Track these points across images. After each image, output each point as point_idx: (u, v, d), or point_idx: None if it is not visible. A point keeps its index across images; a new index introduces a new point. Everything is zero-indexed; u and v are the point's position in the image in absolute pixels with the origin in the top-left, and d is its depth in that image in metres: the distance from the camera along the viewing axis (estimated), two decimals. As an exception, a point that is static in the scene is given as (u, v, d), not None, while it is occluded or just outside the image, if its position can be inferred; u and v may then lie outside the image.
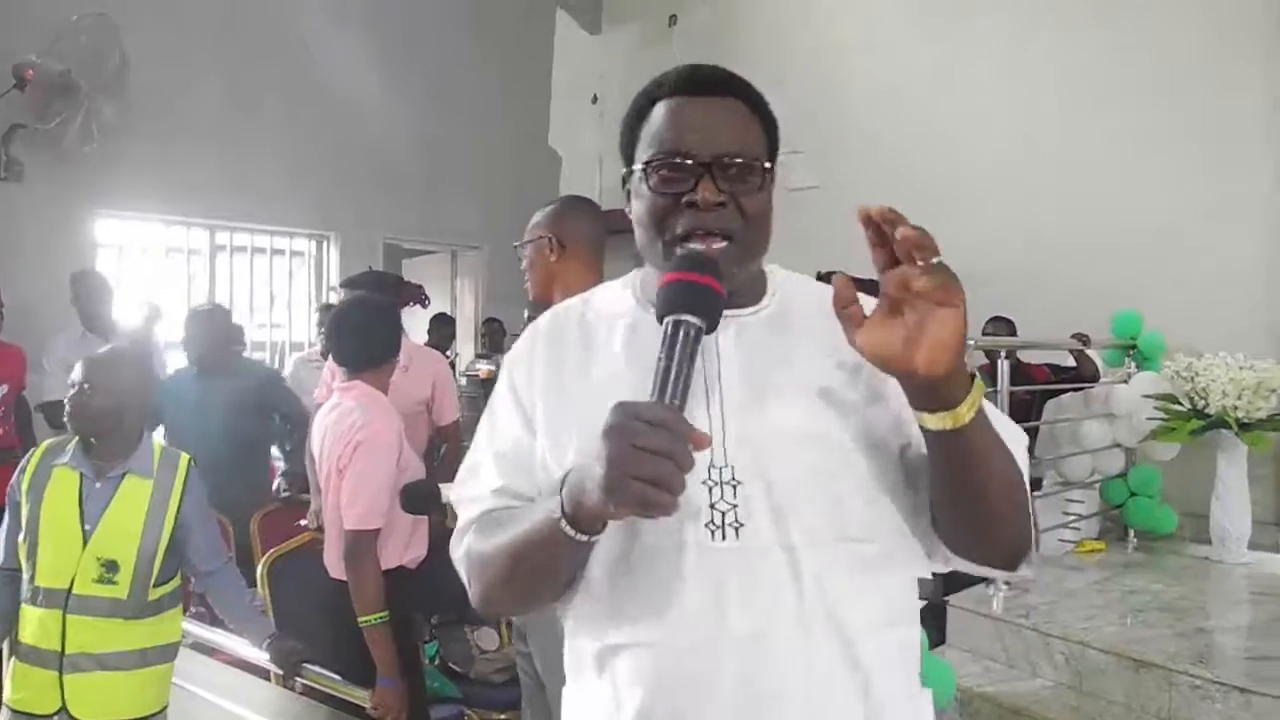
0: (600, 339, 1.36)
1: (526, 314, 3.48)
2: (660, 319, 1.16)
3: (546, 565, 1.24)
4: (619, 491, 1.03)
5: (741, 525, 1.21)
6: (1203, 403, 5.43)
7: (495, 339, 8.36)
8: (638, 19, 10.17)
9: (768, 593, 1.20)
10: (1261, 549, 5.74)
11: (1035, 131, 7.16)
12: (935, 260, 1.02)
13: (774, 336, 1.30)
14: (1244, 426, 5.43)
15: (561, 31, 10.67)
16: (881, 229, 1.04)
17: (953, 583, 4.51)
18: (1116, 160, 6.74)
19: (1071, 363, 6.22)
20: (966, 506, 1.19)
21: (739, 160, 1.25)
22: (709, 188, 1.24)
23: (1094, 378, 5.92)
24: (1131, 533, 5.92)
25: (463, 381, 7.49)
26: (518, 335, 1.55)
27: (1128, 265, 6.52)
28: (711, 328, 1.16)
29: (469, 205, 9.45)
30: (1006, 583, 4.66)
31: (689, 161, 1.25)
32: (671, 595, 1.21)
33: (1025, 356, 6.06)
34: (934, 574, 1.37)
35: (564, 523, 1.15)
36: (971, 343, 5.39)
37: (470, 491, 1.39)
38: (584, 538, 1.15)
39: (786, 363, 1.27)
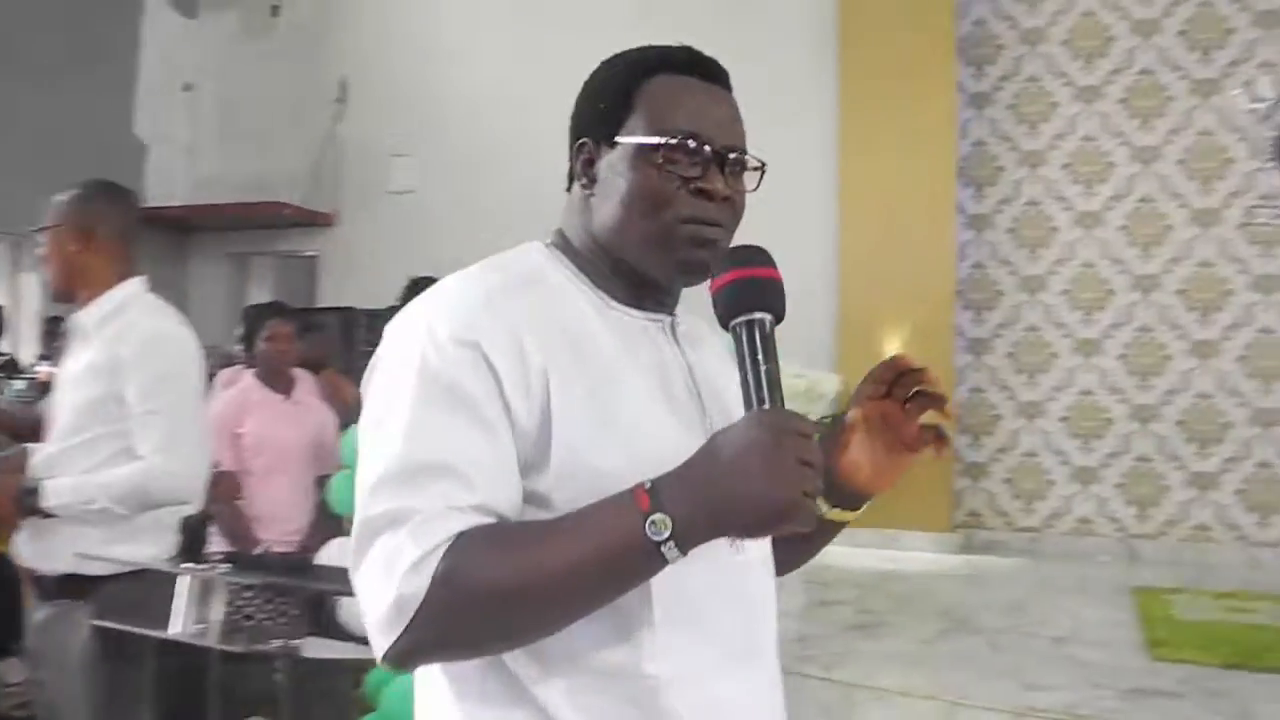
0: (586, 337, 1.14)
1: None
2: (728, 319, 1.07)
3: (611, 592, 1.03)
4: (792, 511, 0.96)
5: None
6: (762, 407, 5.92)
7: (58, 338, 7.56)
8: (237, 6, 9.65)
9: (766, 608, 1.20)
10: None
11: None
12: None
13: (700, 343, 1.27)
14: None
15: (152, 14, 9.92)
16: (902, 372, 1.13)
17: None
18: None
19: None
20: (805, 555, 1.32)
21: (746, 158, 1.21)
22: (720, 179, 1.17)
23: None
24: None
25: (19, 385, 6.71)
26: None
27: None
28: (780, 319, 1.08)
29: (33, 189, 8.49)
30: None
31: (706, 148, 1.17)
32: (709, 614, 1.13)
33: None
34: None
35: (671, 543, 0.97)
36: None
37: (423, 503, 1.00)
38: (680, 559, 0.98)
39: (718, 372, 1.23)
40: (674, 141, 1.14)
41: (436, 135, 8.10)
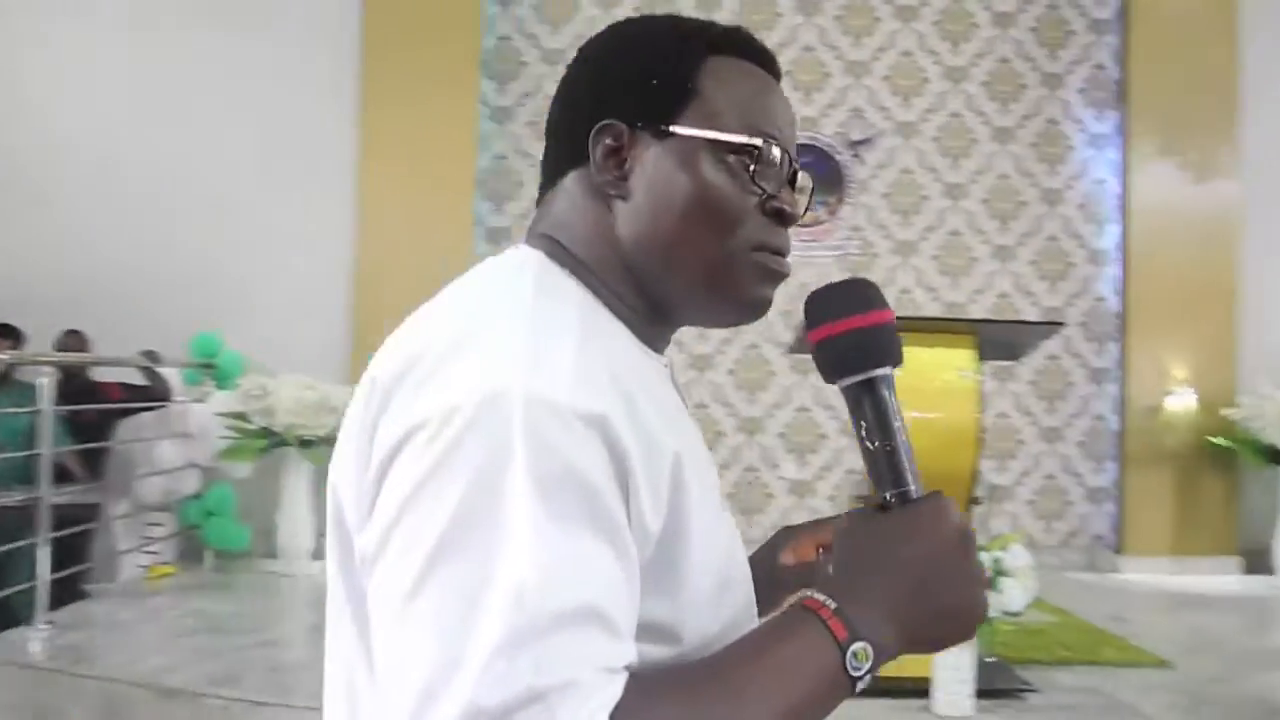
0: (657, 407, 0.83)
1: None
2: (844, 374, 0.86)
3: None
4: (975, 622, 0.84)
5: None
6: (270, 421, 5.64)
7: None
8: None
9: None
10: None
11: (140, 140, 6.81)
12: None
13: None
14: (306, 444, 5.75)
15: None
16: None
17: None
18: (207, 180, 6.69)
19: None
20: None
21: (801, 177, 0.97)
22: (793, 200, 0.93)
23: (164, 396, 5.80)
24: (210, 553, 5.93)
25: None
26: None
27: (215, 286, 6.52)
28: (898, 365, 0.87)
29: None
30: (49, 622, 4.32)
31: (790, 160, 0.93)
32: None
33: (102, 374, 5.78)
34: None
35: (868, 677, 0.78)
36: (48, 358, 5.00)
37: (570, 672, 0.68)
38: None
39: None
40: (759, 145, 0.89)
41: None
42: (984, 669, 3.61)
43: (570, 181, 0.92)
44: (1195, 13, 6.94)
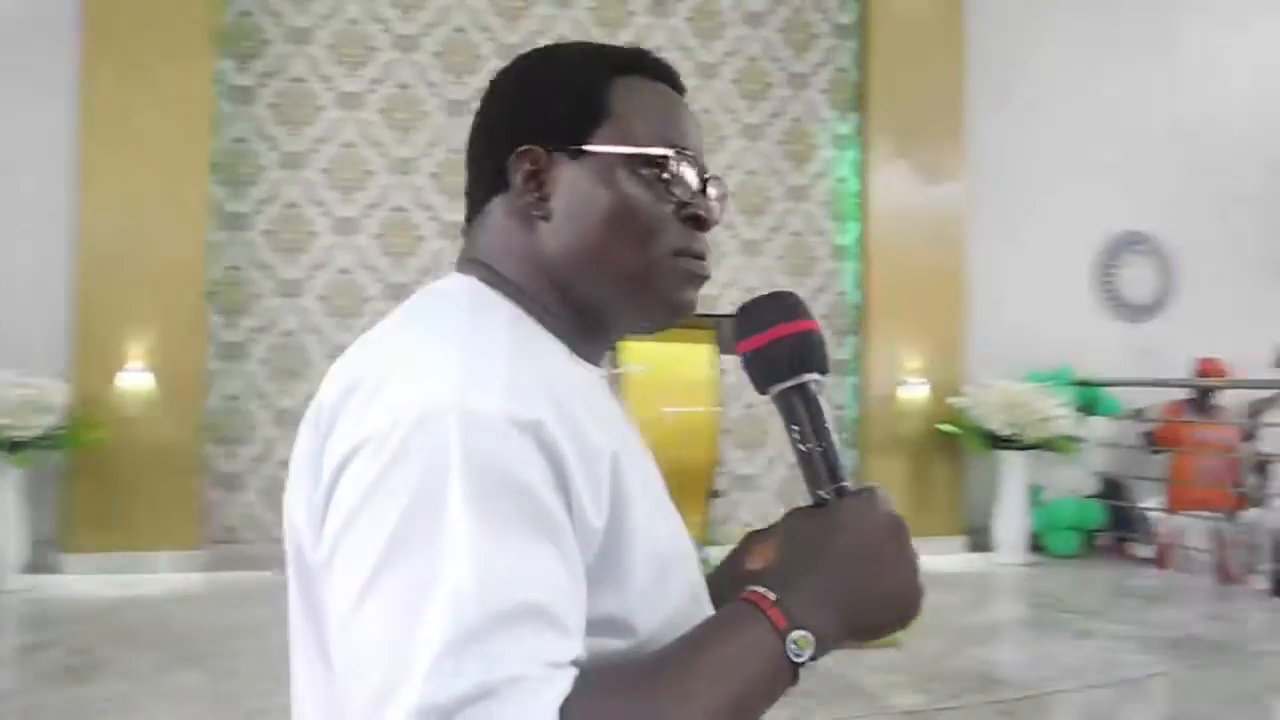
0: (593, 413, 0.87)
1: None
2: (771, 383, 0.92)
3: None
4: (913, 608, 0.88)
5: None
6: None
7: None
8: None
9: None
10: (44, 570, 5.68)
11: None
12: None
13: None
14: (15, 446, 5.29)
15: None
16: None
17: None
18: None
19: None
20: None
21: (717, 184, 1.02)
22: (707, 205, 0.98)
23: None
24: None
25: None
26: None
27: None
28: (825, 373, 0.94)
29: None
30: None
31: (702, 168, 0.98)
32: None
33: None
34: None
35: (811, 663, 0.81)
36: None
37: (517, 667, 0.70)
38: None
39: None
40: (671, 155, 0.95)
41: None
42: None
43: (494, 207, 0.97)
44: (926, 21, 7.33)
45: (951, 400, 6.87)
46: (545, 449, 0.78)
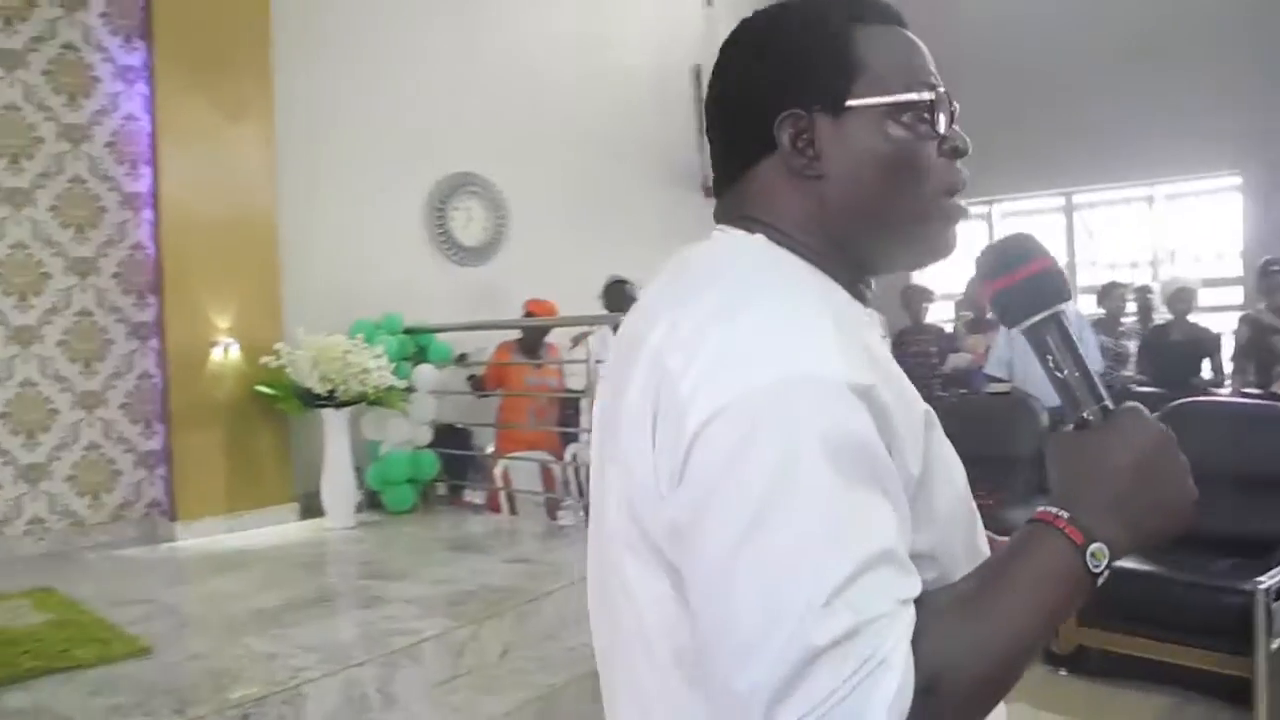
0: (889, 367, 0.99)
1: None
2: (1027, 315, 1.01)
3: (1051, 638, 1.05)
4: (1189, 510, 0.97)
5: None
6: None
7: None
8: None
9: None
10: None
11: None
12: None
13: None
14: None
15: None
16: None
17: None
18: None
19: None
20: None
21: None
22: (962, 135, 1.06)
23: None
24: None
25: None
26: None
27: None
28: (1069, 301, 1.02)
29: None
30: None
31: (951, 102, 1.05)
32: None
33: None
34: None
35: (1107, 573, 0.92)
36: None
37: (877, 606, 0.82)
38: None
39: None
40: (930, 98, 1.03)
41: None
42: None
43: (764, 170, 1.05)
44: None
45: (265, 359, 6.28)
46: (877, 410, 0.88)
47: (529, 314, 7.13)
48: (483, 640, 4.36)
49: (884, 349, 1.01)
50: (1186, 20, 8.64)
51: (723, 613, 0.83)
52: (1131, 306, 8.35)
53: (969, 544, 1.00)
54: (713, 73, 1.10)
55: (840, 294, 1.02)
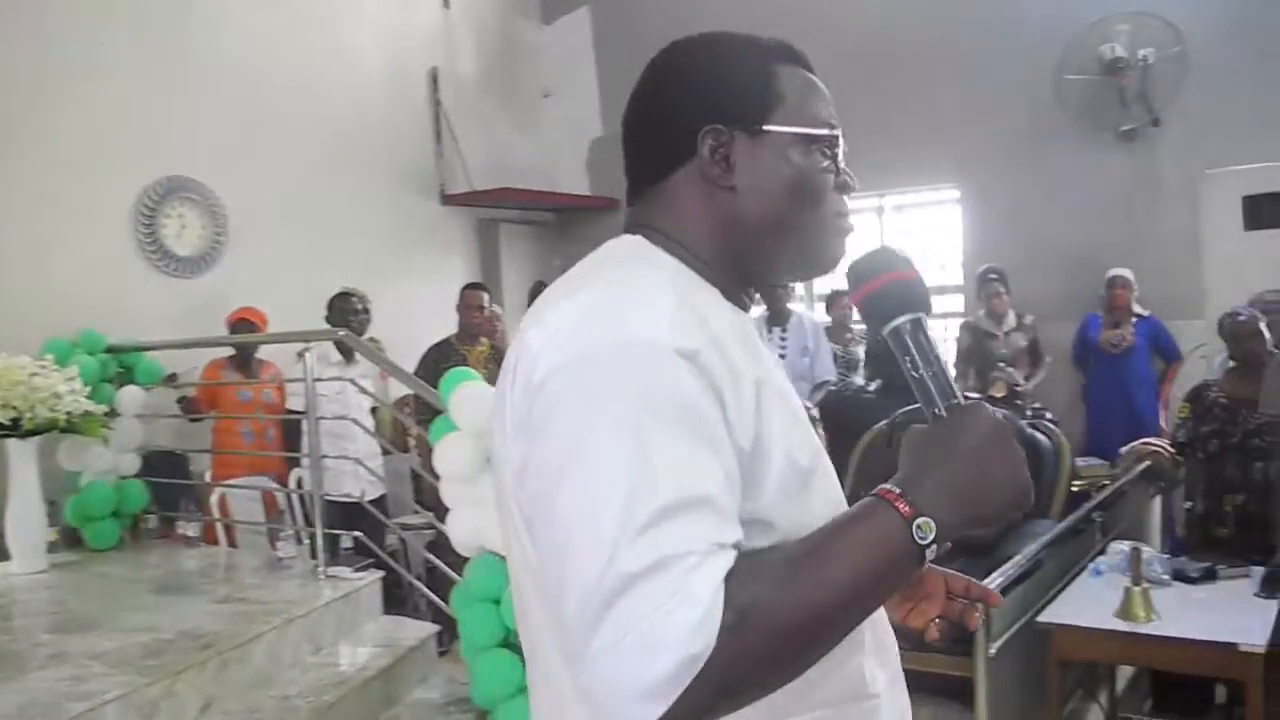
0: (747, 339, 1.14)
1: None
2: (886, 321, 1.12)
3: (876, 608, 1.11)
4: (1029, 495, 1.04)
5: None
6: None
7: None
8: None
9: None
10: None
11: None
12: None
13: None
14: None
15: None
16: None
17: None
18: None
19: None
20: None
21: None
22: (852, 175, 1.22)
23: None
24: None
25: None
26: None
27: None
28: (928, 311, 1.14)
29: None
30: None
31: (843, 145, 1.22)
32: (886, 637, 1.25)
33: None
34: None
35: (934, 546, 1.00)
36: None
37: (689, 545, 0.91)
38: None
39: None
40: (834, 134, 1.18)
41: None
42: None
43: (678, 179, 1.17)
44: None
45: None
46: (703, 373, 0.98)
47: (237, 323, 6.69)
48: (179, 696, 3.95)
49: (753, 342, 1.14)
50: (898, 52, 9.04)
51: (551, 545, 0.96)
52: (857, 314, 8.67)
53: (824, 517, 1.05)
54: (638, 87, 1.21)
55: (697, 283, 1.13)
